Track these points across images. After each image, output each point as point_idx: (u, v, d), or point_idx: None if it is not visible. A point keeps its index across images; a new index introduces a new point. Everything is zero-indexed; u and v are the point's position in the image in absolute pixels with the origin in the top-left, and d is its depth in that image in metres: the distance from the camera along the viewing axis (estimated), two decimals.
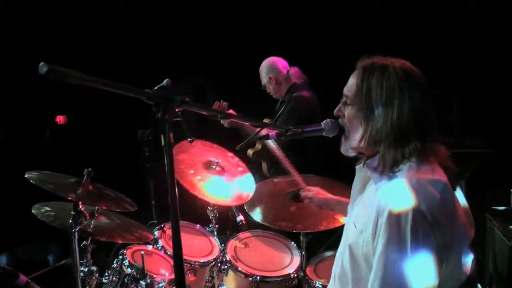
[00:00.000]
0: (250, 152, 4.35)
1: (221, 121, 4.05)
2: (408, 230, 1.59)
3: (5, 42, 5.48)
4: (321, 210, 2.67)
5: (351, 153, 1.96)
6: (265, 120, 4.21)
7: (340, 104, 1.94)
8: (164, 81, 1.55)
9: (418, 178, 1.68)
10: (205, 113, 2.02)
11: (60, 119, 6.37)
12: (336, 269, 1.99)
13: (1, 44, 5.48)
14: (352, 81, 1.87)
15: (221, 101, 4.06)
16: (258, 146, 4.37)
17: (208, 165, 3.37)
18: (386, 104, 1.74)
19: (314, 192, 2.66)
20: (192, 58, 6.05)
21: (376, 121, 1.76)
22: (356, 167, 2.00)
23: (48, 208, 2.78)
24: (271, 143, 3.41)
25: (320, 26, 5.59)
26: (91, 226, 2.75)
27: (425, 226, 1.60)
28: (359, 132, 1.84)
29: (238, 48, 5.75)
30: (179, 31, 6.01)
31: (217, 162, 3.37)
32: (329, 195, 2.62)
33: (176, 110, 1.57)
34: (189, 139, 2.00)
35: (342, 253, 1.93)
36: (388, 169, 1.74)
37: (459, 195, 1.87)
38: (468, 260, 1.82)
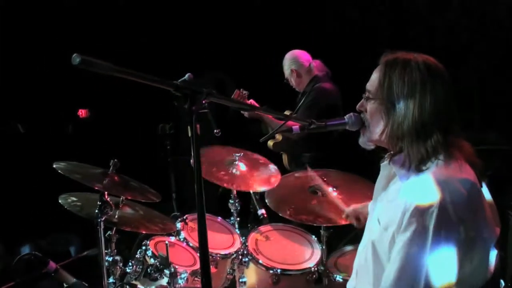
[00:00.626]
0: (270, 143, 4.36)
1: (241, 111, 4.07)
2: (431, 227, 1.60)
3: (26, 36, 5.56)
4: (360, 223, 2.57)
5: (370, 146, 1.97)
6: (286, 112, 4.23)
7: (362, 100, 1.94)
8: (186, 75, 1.57)
9: (446, 176, 1.68)
10: (230, 105, 2.03)
11: (82, 112, 6.44)
12: (358, 264, 2.00)
13: (21, 40, 5.55)
14: (374, 76, 1.87)
15: (241, 89, 4.05)
16: (279, 137, 4.37)
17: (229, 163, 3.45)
18: (408, 98, 1.75)
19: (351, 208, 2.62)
20: (212, 52, 6.07)
21: (397, 116, 1.77)
22: (381, 164, 1.99)
23: (74, 198, 2.82)
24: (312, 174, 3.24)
25: (343, 18, 5.57)
26: (116, 216, 2.80)
27: (449, 224, 1.61)
28: (380, 126, 1.85)
29: (260, 41, 5.76)
30: (199, 24, 6.04)
31: (238, 156, 3.42)
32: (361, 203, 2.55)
33: (203, 101, 1.59)
34: (215, 131, 2.03)
35: (365, 249, 1.93)
36: (415, 166, 1.74)
37: (485, 191, 1.86)
38: (493, 257, 1.82)
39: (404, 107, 1.75)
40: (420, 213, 1.62)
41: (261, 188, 3.35)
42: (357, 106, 1.97)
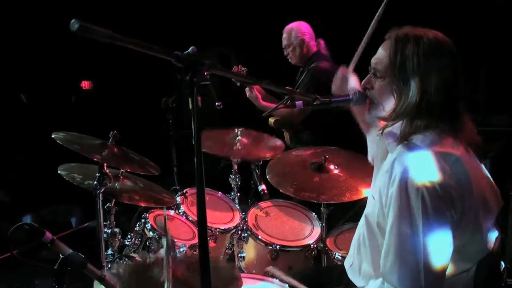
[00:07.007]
0: (271, 120, 4.31)
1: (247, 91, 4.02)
2: (419, 205, 1.60)
3: (31, 7, 5.51)
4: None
5: (377, 122, 1.95)
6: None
7: (368, 76, 1.90)
8: (190, 48, 1.53)
9: (430, 150, 1.67)
10: (232, 78, 1.99)
11: (85, 84, 6.42)
12: (355, 239, 2.01)
13: (25, 10, 5.50)
14: (383, 53, 1.82)
15: (240, 66, 3.99)
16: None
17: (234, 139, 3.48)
18: (421, 76, 1.72)
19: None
20: (218, 27, 6.01)
21: (410, 93, 1.73)
22: (376, 135, 1.97)
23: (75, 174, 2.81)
24: None
25: None
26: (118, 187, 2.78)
27: (435, 200, 1.60)
28: (390, 104, 1.81)
29: (264, 18, 5.69)
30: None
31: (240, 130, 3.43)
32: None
33: (205, 73, 1.55)
34: (216, 104, 1.99)
35: (361, 224, 1.95)
36: (405, 137, 1.73)
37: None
38: (492, 236, 1.81)
39: (417, 84, 1.71)
40: (404, 190, 1.62)
41: (270, 154, 3.43)
42: (363, 83, 1.94)
